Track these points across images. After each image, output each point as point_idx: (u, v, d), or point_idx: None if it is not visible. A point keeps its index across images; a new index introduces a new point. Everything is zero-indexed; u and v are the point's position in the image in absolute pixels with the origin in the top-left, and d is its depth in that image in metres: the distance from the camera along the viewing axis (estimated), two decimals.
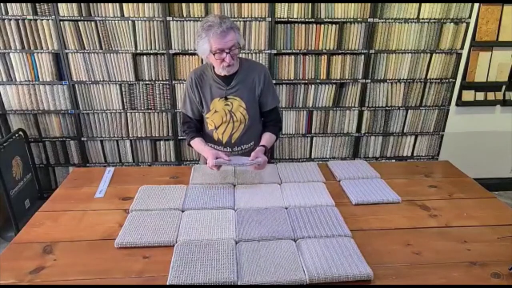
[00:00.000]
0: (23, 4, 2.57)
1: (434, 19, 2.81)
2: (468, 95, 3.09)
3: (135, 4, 2.61)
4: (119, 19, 2.65)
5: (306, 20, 2.73)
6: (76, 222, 1.49)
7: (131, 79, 2.81)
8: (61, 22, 2.63)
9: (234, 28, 1.64)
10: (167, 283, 1.16)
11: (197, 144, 1.85)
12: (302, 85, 2.92)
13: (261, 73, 1.81)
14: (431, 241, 1.39)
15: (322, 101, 2.98)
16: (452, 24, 2.84)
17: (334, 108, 3.01)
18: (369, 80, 2.95)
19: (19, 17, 2.61)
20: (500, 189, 3.37)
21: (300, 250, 1.29)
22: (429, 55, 2.92)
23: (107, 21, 2.65)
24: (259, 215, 1.49)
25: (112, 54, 2.74)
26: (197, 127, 1.92)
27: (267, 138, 1.86)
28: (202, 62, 2.79)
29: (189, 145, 1.89)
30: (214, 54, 1.63)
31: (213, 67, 1.78)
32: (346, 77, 2.92)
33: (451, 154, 3.18)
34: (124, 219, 1.48)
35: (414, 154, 3.27)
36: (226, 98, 1.79)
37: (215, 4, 2.65)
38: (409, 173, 1.95)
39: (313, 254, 1.26)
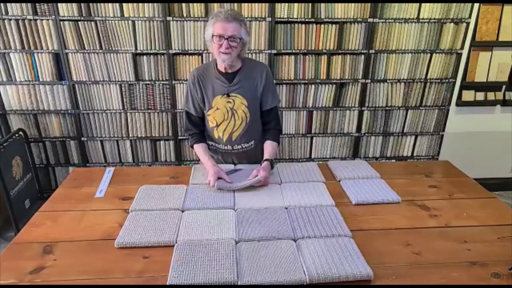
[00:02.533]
0: (23, 4, 2.57)
1: (434, 19, 2.81)
2: (468, 95, 3.09)
3: (135, 4, 2.61)
4: (119, 19, 2.65)
5: (306, 20, 2.73)
6: (76, 222, 1.49)
7: (131, 79, 2.81)
8: (61, 22, 2.63)
9: (240, 21, 1.65)
10: (167, 283, 1.15)
11: (199, 151, 1.86)
12: (302, 85, 2.92)
13: (263, 72, 1.82)
14: (431, 241, 1.39)
15: (322, 101, 2.98)
16: (452, 24, 2.84)
17: (334, 108, 3.01)
18: (369, 80, 2.95)
19: (19, 17, 2.61)
20: (500, 189, 3.37)
21: (300, 250, 1.29)
22: (429, 55, 2.92)
23: (107, 21, 2.65)
24: (259, 215, 1.49)
25: (112, 54, 2.74)
26: (200, 126, 1.93)
27: (270, 149, 1.86)
28: (202, 62, 2.79)
29: (192, 147, 1.90)
30: (213, 38, 1.65)
31: (216, 64, 1.78)
32: (346, 77, 2.92)
33: (451, 154, 3.18)
34: (124, 219, 1.48)
35: (414, 154, 3.27)
36: (228, 95, 1.79)
37: (215, 4, 2.65)
38: (409, 173, 1.95)
39: (313, 254, 1.26)
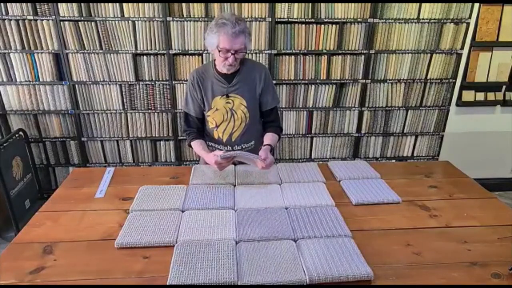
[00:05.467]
0: (23, 4, 2.57)
1: (434, 19, 2.81)
2: (468, 95, 3.09)
3: (135, 4, 2.61)
4: (119, 19, 2.65)
5: (306, 20, 2.73)
6: (76, 222, 1.49)
7: (131, 79, 2.81)
8: (61, 22, 2.63)
9: (245, 33, 1.65)
10: (167, 283, 1.15)
11: (197, 146, 1.86)
12: (302, 85, 2.92)
13: (262, 73, 1.83)
14: (431, 241, 1.39)
15: (322, 101, 2.98)
16: (452, 24, 2.84)
17: (334, 108, 3.01)
18: (369, 81, 2.95)
19: (19, 17, 2.61)
20: (500, 189, 3.37)
21: (300, 250, 1.29)
22: (429, 55, 2.92)
23: (107, 21, 2.65)
24: (259, 215, 1.49)
25: (112, 54, 2.74)
26: (199, 126, 1.93)
27: (270, 137, 1.86)
28: (202, 62, 2.79)
29: (190, 146, 1.90)
30: (219, 51, 1.66)
31: (215, 65, 1.79)
32: (346, 77, 2.92)
33: (451, 154, 3.18)
34: (124, 219, 1.48)
35: (414, 154, 3.27)
36: (227, 96, 1.80)
37: (215, 4, 2.65)
38: (409, 173, 1.95)
39: (313, 254, 1.26)
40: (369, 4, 2.71)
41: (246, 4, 2.65)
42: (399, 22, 2.80)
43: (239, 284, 1.15)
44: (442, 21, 2.82)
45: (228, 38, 1.61)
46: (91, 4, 2.60)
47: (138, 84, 2.84)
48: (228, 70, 1.74)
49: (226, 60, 1.68)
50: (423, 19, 2.80)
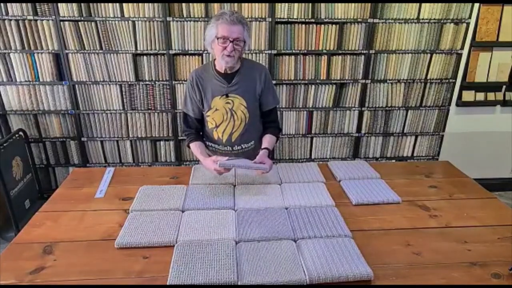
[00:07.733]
0: (23, 4, 2.57)
1: (434, 19, 2.81)
2: (468, 95, 3.09)
3: (135, 4, 2.61)
4: (119, 19, 2.65)
5: (306, 20, 2.73)
6: (76, 222, 1.49)
7: (131, 79, 2.81)
8: (61, 22, 2.63)
9: (243, 24, 1.66)
10: (167, 283, 1.16)
11: (195, 149, 1.85)
12: (302, 86, 2.92)
13: (261, 73, 1.82)
14: (431, 241, 1.39)
15: (322, 101, 2.98)
16: (452, 24, 2.84)
17: (334, 109, 3.01)
18: (369, 81, 2.95)
19: (19, 17, 2.61)
20: (500, 189, 3.37)
21: (300, 250, 1.29)
22: (429, 55, 2.92)
23: (107, 21, 2.65)
24: (259, 215, 1.49)
25: (112, 54, 2.74)
26: (198, 127, 1.93)
27: (268, 140, 1.86)
28: (202, 62, 2.79)
29: (188, 147, 1.90)
30: (217, 39, 1.65)
31: (215, 65, 1.78)
32: (346, 78, 2.92)
33: (451, 154, 3.18)
34: (124, 219, 1.48)
35: (414, 155, 3.27)
36: (227, 96, 1.79)
37: (215, 4, 2.65)
38: (409, 173, 1.95)
39: (313, 254, 1.26)
40: (369, 4, 2.71)
41: (246, 4, 2.65)
42: (399, 22, 2.80)
43: (239, 284, 1.15)
44: (442, 21, 2.82)
45: (226, 26, 1.62)
46: (91, 4, 2.60)
47: (138, 84, 2.84)
48: (227, 62, 1.70)
49: (225, 49, 1.66)
50: (423, 19, 2.80)
